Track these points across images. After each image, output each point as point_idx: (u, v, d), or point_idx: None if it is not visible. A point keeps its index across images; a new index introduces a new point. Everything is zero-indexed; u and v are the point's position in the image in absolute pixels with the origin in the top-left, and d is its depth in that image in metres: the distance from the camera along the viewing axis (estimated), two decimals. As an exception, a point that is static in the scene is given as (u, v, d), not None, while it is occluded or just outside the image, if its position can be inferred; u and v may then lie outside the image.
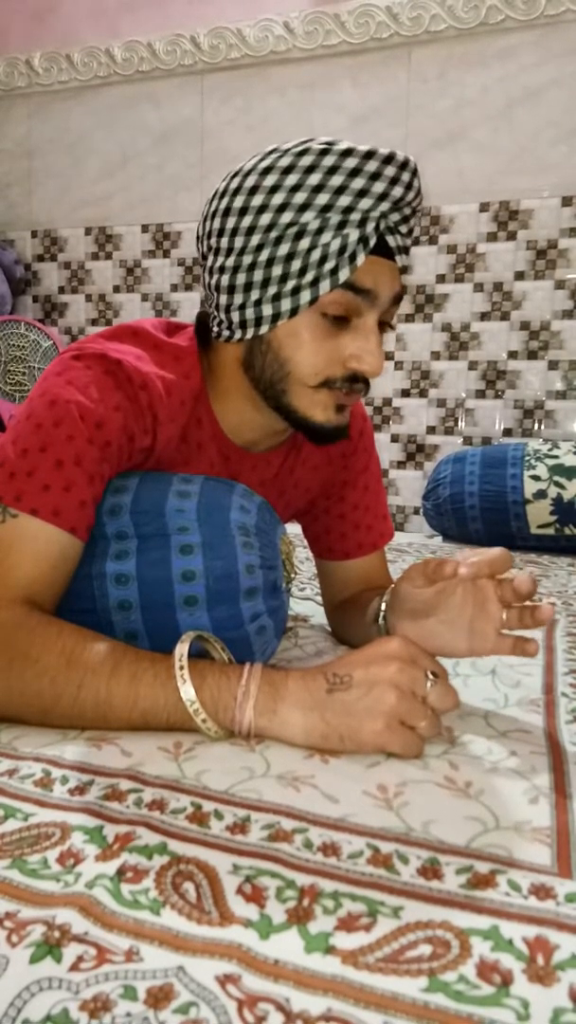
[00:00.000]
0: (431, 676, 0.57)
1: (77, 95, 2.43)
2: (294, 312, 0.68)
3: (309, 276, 0.67)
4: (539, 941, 0.37)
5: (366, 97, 2.14)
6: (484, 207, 2.08)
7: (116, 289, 2.48)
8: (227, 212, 0.70)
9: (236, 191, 0.69)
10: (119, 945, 0.37)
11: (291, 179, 0.66)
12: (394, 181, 0.66)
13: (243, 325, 0.72)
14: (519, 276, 2.07)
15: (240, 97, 2.26)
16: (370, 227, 0.66)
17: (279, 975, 0.35)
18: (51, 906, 0.39)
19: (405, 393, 2.21)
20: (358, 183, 0.65)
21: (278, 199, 0.67)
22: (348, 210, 0.66)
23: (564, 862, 0.45)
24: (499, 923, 0.39)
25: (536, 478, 1.68)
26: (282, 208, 0.67)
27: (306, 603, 1.13)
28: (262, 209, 0.67)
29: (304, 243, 0.67)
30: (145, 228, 2.42)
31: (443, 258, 2.13)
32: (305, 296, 0.68)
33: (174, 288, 2.41)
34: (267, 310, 0.69)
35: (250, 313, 0.70)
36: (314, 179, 0.66)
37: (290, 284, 0.68)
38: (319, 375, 0.70)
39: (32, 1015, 0.33)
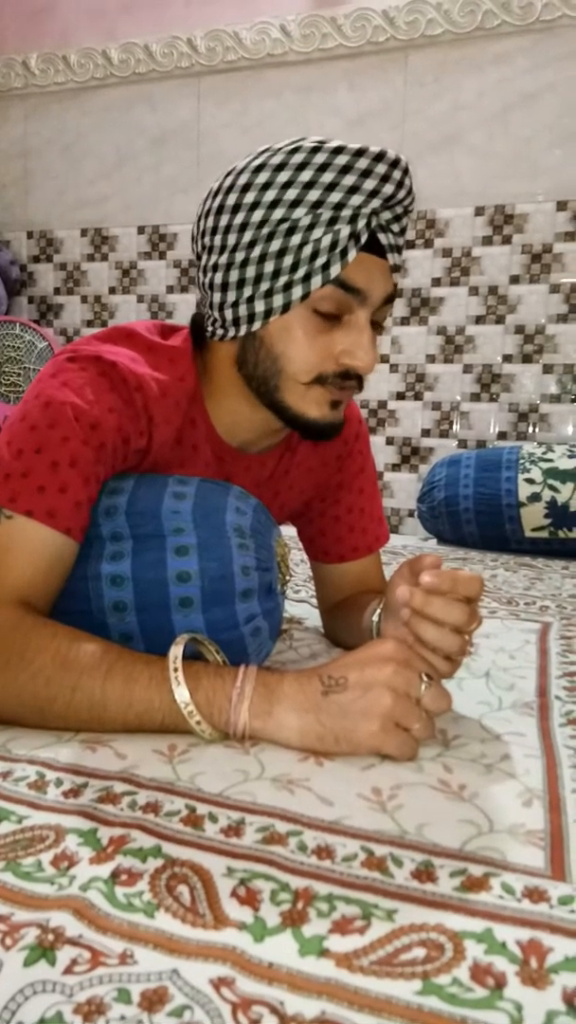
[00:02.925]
0: (425, 678, 0.58)
1: (73, 96, 2.43)
2: (286, 308, 0.69)
3: (300, 272, 0.67)
4: (532, 944, 0.38)
5: (362, 100, 2.14)
6: (479, 211, 2.08)
7: (112, 291, 2.48)
8: (220, 210, 0.70)
9: (229, 189, 0.70)
10: (113, 948, 0.37)
11: (283, 176, 0.67)
12: (385, 178, 0.66)
13: (236, 322, 0.72)
14: (514, 280, 2.07)
15: (236, 99, 2.26)
16: (361, 223, 0.66)
17: (273, 978, 0.35)
18: (45, 909, 0.39)
19: (400, 396, 2.22)
20: (349, 179, 0.66)
21: (270, 196, 0.67)
22: (339, 206, 0.66)
23: (557, 865, 0.45)
24: (493, 926, 0.39)
25: (530, 481, 1.69)
26: (273, 204, 0.67)
27: (301, 605, 1.13)
28: (254, 206, 0.68)
29: (295, 239, 0.67)
30: (141, 230, 2.41)
31: (438, 261, 2.14)
32: (297, 292, 0.68)
33: (170, 290, 2.41)
34: (259, 306, 0.70)
35: (243, 310, 0.71)
36: (305, 176, 0.66)
37: (282, 280, 0.68)
38: (311, 371, 0.70)
39: (26, 1018, 0.33)
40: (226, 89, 2.26)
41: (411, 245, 2.15)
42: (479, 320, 2.12)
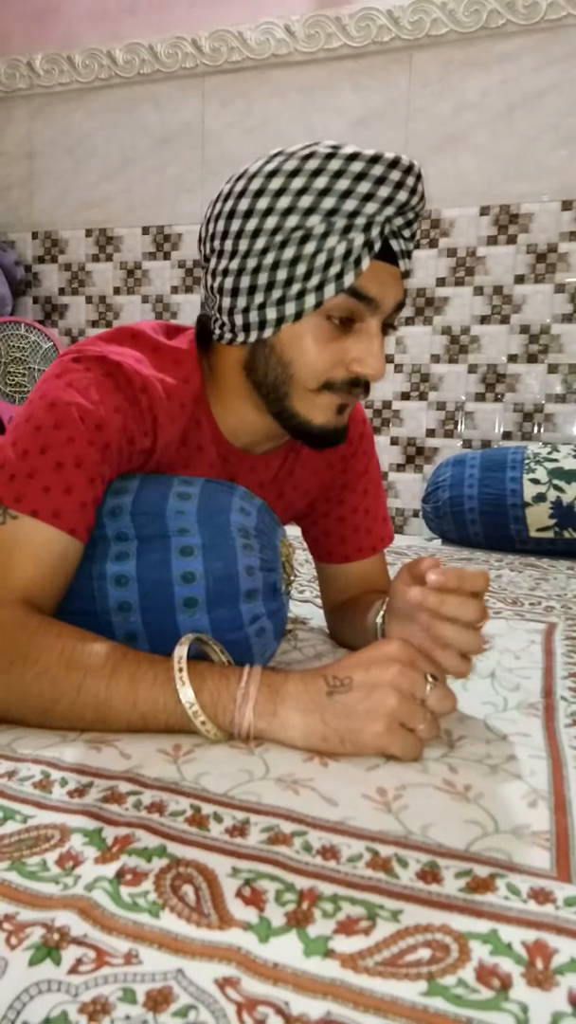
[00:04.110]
0: (430, 679, 0.58)
1: (78, 97, 2.43)
2: (298, 316, 0.68)
3: (314, 280, 0.67)
4: (538, 945, 0.37)
5: (367, 100, 2.14)
6: (484, 211, 2.08)
7: (116, 291, 2.49)
8: (232, 215, 0.69)
9: (241, 194, 0.69)
10: (118, 948, 0.37)
11: (297, 182, 0.66)
12: (399, 185, 0.66)
13: (246, 328, 0.71)
14: (519, 280, 2.07)
15: (241, 100, 2.26)
16: (375, 231, 0.66)
17: (278, 978, 0.35)
18: (50, 908, 0.39)
19: (405, 396, 2.22)
20: (364, 187, 0.65)
21: (284, 203, 0.67)
22: (354, 214, 0.66)
23: (563, 866, 0.45)
24: (498, 927, 0.39)
25: (535, 481, 1.69)
26: (288, 212, 0.67)
27: (305, 605, 1.12)
28: (267, 212, 0.67)
29: (310, 247, 0.67)
30: (146, 230, 2.42)
31: (443, 261, 2.14)
32: (310, 300, 0.68)
33: (174, 290, 2.42)
34: (271, 313, 0.69)
35: (254, 316, 0.70)
36: (320, 183, 0.66)
37: (295, 288, 0.68)
38: (320, 378, 0.70)
39: (31, 1018, 0.33)
40: (230, 89, 2.26)
41: (416, 245, 2.15)
42: (484, 320, 2.11)
